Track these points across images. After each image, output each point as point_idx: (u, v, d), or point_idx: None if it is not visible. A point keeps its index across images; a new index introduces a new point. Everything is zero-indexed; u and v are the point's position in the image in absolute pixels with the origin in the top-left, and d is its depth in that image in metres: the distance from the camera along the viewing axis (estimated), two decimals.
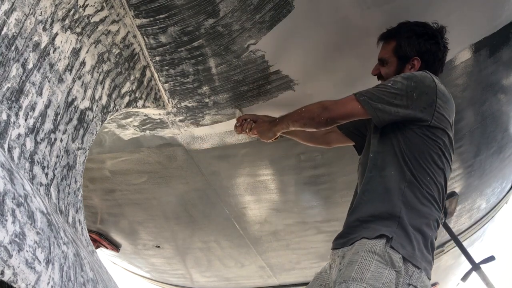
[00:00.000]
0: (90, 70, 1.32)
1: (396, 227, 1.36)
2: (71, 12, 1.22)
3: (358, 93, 1.47)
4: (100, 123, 1.39)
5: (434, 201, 1.43)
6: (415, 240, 1.36)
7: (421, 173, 1.42)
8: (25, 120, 0.99)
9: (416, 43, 1.55)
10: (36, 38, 1.06)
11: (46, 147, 1.07)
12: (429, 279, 1.38)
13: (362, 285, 1.27)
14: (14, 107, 0.95)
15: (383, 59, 1.61)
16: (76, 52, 1.25)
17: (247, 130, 1.83)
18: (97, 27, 1.35)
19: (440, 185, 1.45)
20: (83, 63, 1.29)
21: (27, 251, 0.68)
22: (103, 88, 1.40)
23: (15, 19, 0.98)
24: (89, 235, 1.28)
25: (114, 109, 1.49)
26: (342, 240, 1.47)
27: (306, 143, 1.95)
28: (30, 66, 1.03)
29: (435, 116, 1.43)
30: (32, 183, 0.97)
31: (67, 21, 1.20)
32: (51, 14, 1.12)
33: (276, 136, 1.77)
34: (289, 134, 1.86)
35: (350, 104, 1.47)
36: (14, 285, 0.64)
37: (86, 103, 1.30)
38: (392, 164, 1.45)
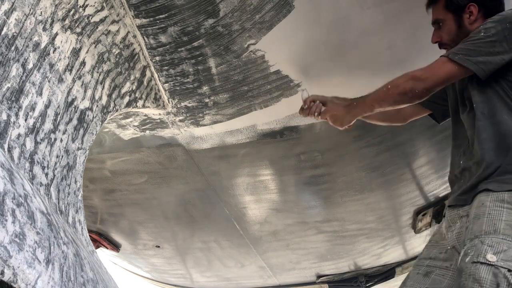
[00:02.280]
0: (90, 70, 1.32)
1: None
2: (71, 12, 1.21)
3: (449, 53, 1.37)
4: (100, 123, 1.39)
5: None
6: None
7: None
8: (25, 120, 0.99)
9: None
10: (36, 38, 1.06)
11: (46, 147, 1.07)
12: None
13: (498, 237, 1.17)
14: (14, 107, 0.95)
15: (438, 20, 1.53)
16: (76, 52, 1.25)
17: (315, 113, 1.67)
18: (97, 27, 1.35)
19: None
20: (83, 63, 1.28)
21: (27, 251, 0.68)
22: (103, 88, 1.40)
23: (15, 19, 0.98)
24: (89, 235, 1.28)
25: (114, 109, 1.49)
26: (466, 196, 1.37)
27: (380, 123, 1.84)
28: (30, 66, 1.03)
29: None
30: (32, 183, 0.97)
31: (67, 21, 1.20)
32: (51, 14, 1.12)
33: (352, 122, 1.63)
34: (364, 116, 1.73)
35: (444, 68, 1.37)
36: (14, 285, 0.64)
37: (86, 103, 1.30)
38: (502, 109, 1.36)
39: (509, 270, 1.13)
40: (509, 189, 1.25)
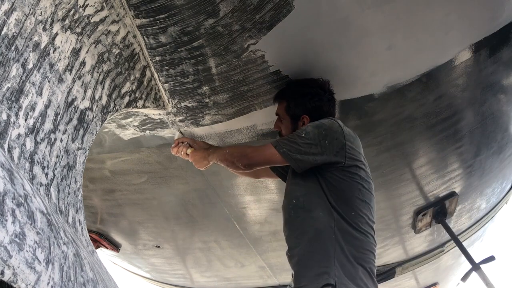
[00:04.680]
0: (90, 70, 1.32)
1: (334, 267, 1.43)
2: (71, 12, 1.22)
3: (277, 144, 1.61)
4: (100, 123, 1.39)
5: (363, 232, 1.53)
6: (356, 273, 1.44)
7: (346, 209, 1.53)
8: (25, 120, 0.99)
9: (302, 103, 1.73)
10: (36, 38, 1.06)
11: (46, 147, 1.07)
12: None
13: None
14: (14, 107, 0.95)
15: (280, 115, 1.82)
16: (76, 52, 1.25)
17: (182, 153, 1.93)
18: (97, 27, 1.35)
19: (365, 215, 1.56)
20: (83, 63, 1.29)
21: (27, 251, 0.68)
22: (103, 88, 1.40)
23: (15, 19, 0.98)
24: (89, 235, 1.28)
25: (114, 109, 1.49)
26: (293, 279, 1.56)
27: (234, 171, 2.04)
28: (30, 66, 1.03)
29: (347, 157, 1.57)
30: (32, 183, 0.97)
31: (67, 21, 1.20)
32: (51, 14, 1.12)
33: (209, 166, 1.89)
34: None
35: (268, 152, 1.62)
36: (14, 285, 0.64)
37: (86, 103, 1.30)
38: (319, 205, 1.55)
39: None
40: (323, 286, 1.41)
